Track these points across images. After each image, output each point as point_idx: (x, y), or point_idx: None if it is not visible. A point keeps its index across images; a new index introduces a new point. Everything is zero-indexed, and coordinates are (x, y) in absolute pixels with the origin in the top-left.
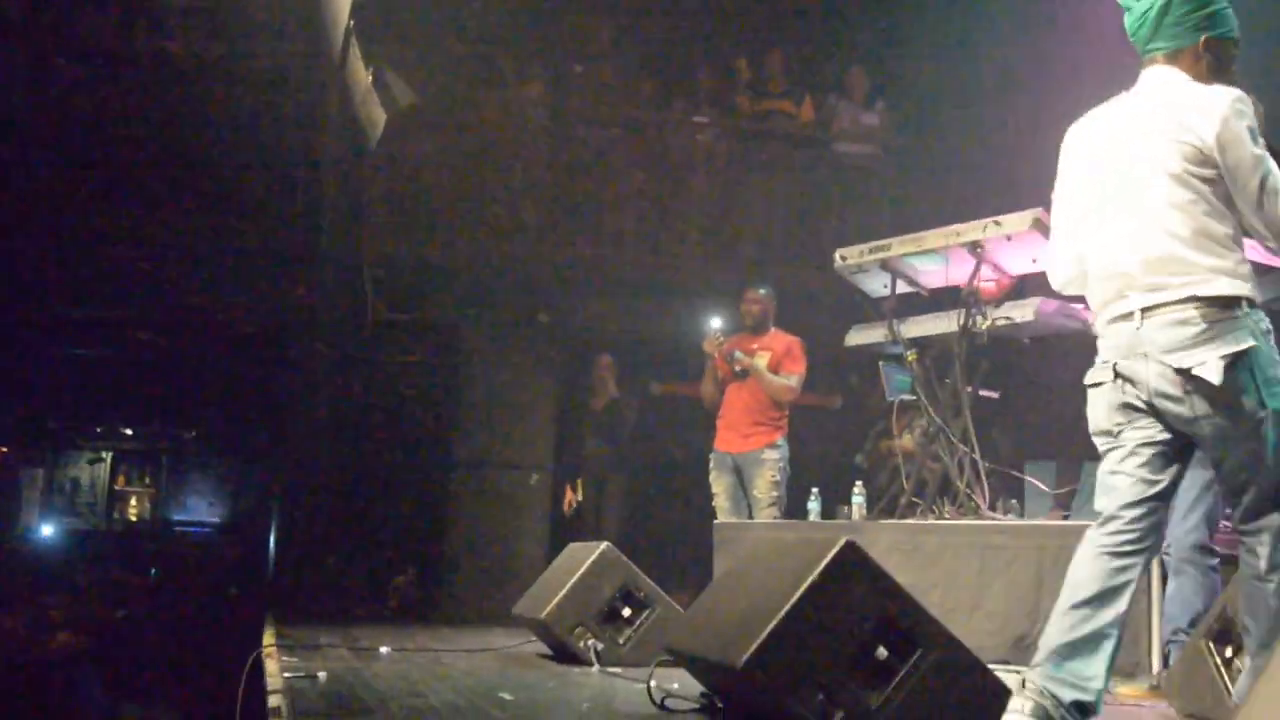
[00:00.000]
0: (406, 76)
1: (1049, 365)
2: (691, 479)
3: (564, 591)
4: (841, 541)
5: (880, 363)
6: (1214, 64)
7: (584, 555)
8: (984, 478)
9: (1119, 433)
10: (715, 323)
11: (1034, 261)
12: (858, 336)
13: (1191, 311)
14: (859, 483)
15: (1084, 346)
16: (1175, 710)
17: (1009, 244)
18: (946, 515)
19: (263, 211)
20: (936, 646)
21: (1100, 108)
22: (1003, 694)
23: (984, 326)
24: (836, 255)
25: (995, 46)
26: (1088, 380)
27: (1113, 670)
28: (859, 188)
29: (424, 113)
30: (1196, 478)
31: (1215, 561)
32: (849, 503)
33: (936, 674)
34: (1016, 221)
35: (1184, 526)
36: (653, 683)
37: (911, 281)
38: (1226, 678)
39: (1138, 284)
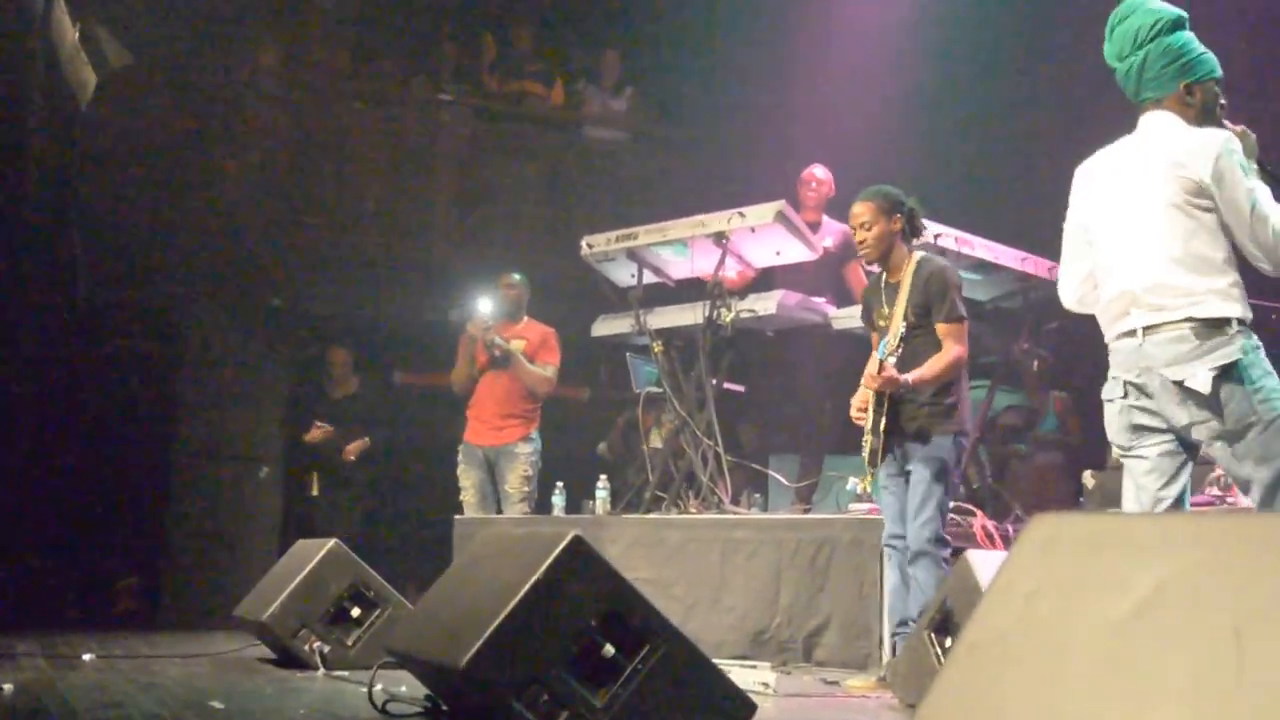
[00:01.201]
0: (120, 34)
1: (793, 359)
2: (437, 472)
3: (288, 591)
4: (569, 536)
5: (628, 354)
6: (1201, 104)
7: (311, 553)
8: (727, 471)
9: (1134, 446)
10: (485, 307)
11: (778, 254)
12: (605, 327)
13: (1186, 330)
14: (603, 477)
15: (826, 340)
16: (899, 700)
17: (753, 236)
18: (690, 509)
19: None
20: (664, 643)
21: (1107, 148)
22: (729, 690)
23: (728, 319)
24: (583, 243)
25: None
26: (1104, 395)
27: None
28: (608, 174)
29: (142, 76)
30: (925, 471)
31: (948, 552)
32: (594, 497)
33: (664, 671)
34: (760, 214)
35: (919, 520)
36: (378, 686)
37: (658, 271)
38: None
39: (1141, 304)
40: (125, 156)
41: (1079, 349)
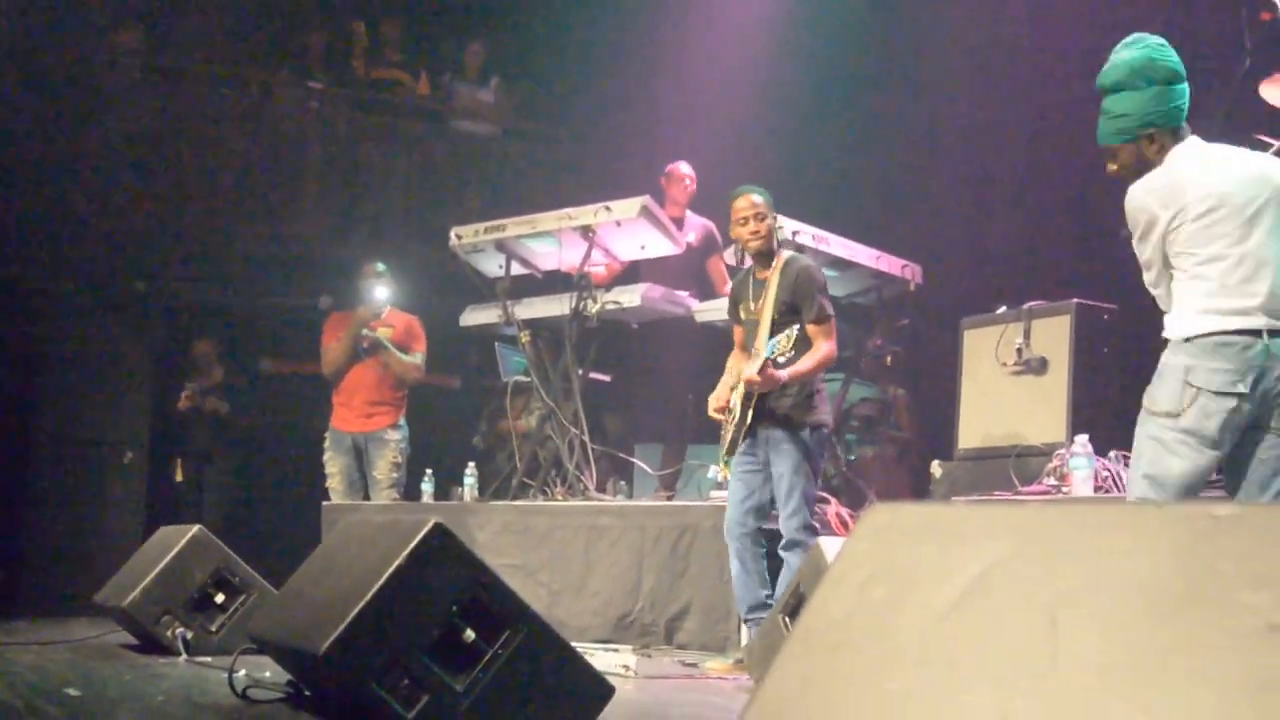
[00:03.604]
0: None
1: (657, 350)
2: (304, 458)
3: (151, 577)
4: (430, 523)
5: (496, 344)
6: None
7: (175, 539)
8: (593, 459)
9: (1230, 444)
10: (381, 293)
11: (643, 248)
12: (473, 317)
13: None
14: (471, 464)
15: (689, 333)
16: (755, 681)
17: (619, 229)
18: (557, 496)
19: None
20: (524, 628)
21: (1193, 147)
22: (588, 673)
23: (594, 310)
24: (452, 234)
25: (613, 36)
26: (1214, 387)
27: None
28: (477, 166)
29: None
30: (786, 464)
31: (814, 540)
32: (462, 484)
33: (523, 656)
34: (626, 208)
35: (787, 510)
36: (241, 672)
37: (526, 263)
38: None
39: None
40: None
41: (922, 346)
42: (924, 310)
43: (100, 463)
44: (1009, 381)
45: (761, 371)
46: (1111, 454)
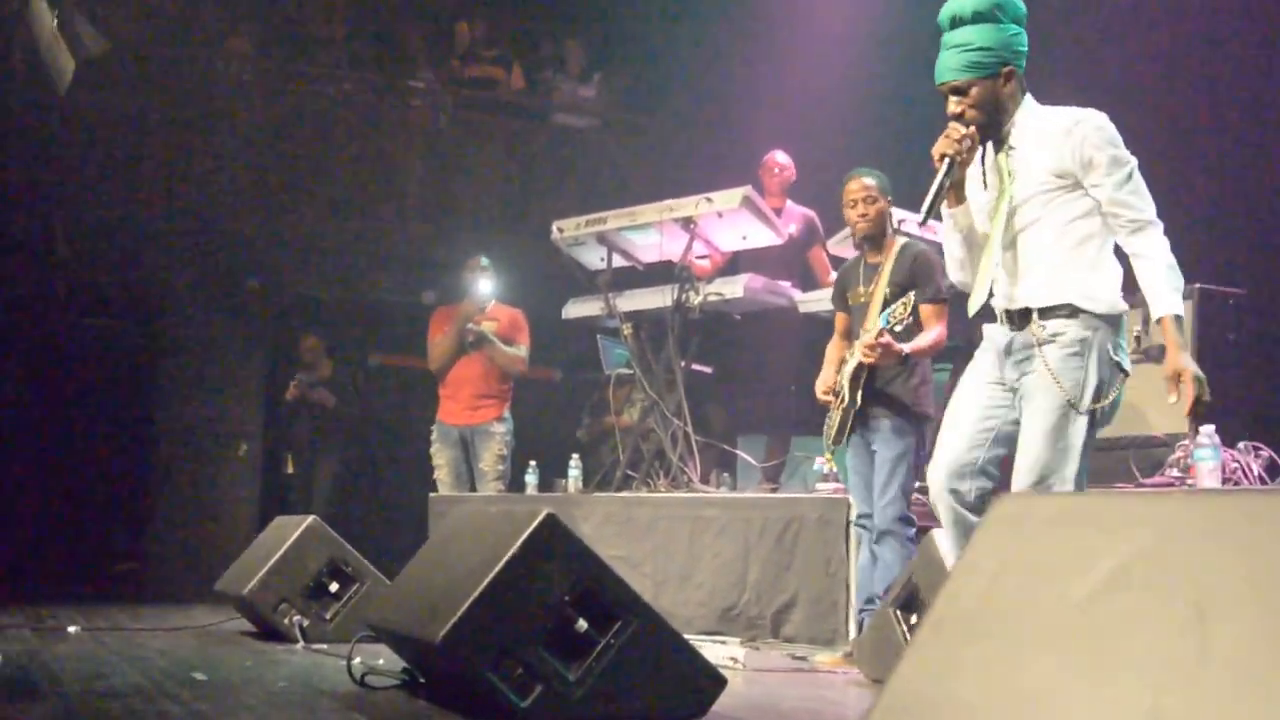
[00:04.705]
0: (97, 21)
1: (759, 341)
2: (410, 450)
3: (268, 566)
4: (542, 514)
5: (598, 336)
6: None
7: (290, 529)
8: (696, 451)
9: None
10: (484, 287)
11: (744, 238)
12: (575, 309)
13: None
14: (575, 456)
15: (792, 323)
16: (865, 676)
17: (721, 220)
18: (660, 488)
19: None
20: (636, 619)
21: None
22: (700, 665)
23: (696, 302)
24: (553, 227)
25: (713, 26)
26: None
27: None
28: (578, 160)
29: (119, 62)
30: (889, 451)
31: (913, 531)
32: (566, 476)
33: (635, 646)
34: (728, 198)
35: (884, 500)
36: (357, 659)
37: (627, 255)
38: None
39: None
40: (103, 142)
41: None
42: None
43: (217, 455)
44: None
45: (878, 340)
46: (1240, 445)
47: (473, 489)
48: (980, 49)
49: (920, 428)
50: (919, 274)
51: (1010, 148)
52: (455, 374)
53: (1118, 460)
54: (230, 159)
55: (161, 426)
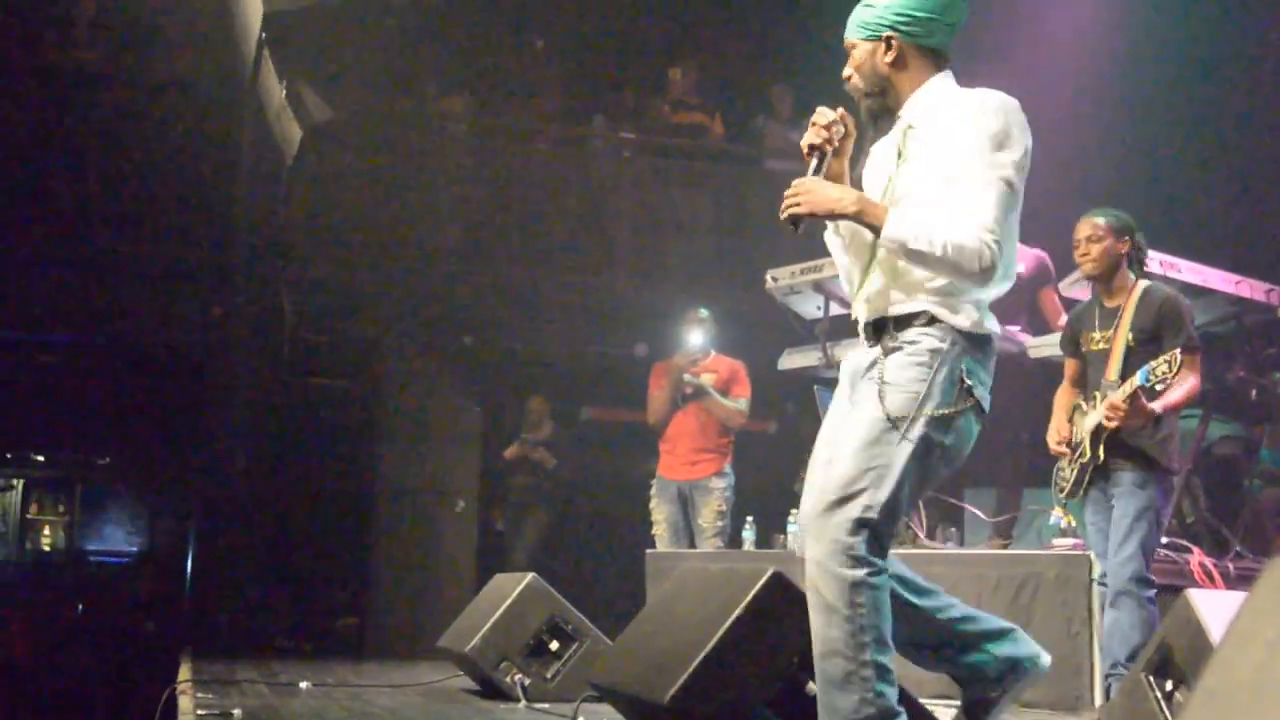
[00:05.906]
0: (322, 91)
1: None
2: (624, 506)
3: (490, 624)
4: (769, 573)
5: (815, 386)
6: None
7: (510, 586)
8: (921, 505)
9: None
10: (696, 338)
11: None
12: (792, 360)
13: None
14: (794, 511)
15: (1021, 370)
16: None
17: None
18: None
19: (176, 229)
20: None
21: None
22: None
23: None
24: (768, 276)
25: None
26: None
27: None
28: None
29: (342, 128)
30: (1130, 506)
31: (1152, 593)
32: (784, 531)
33: None
34: None
35: (1120, 557)
36: (580, 719)
37: (845, 304)
38: (1168, 712)
39: None
40: (327, 205)
41: None
42: None
43: (435, 512)
44: None
45: (1132, 400)
46: None
47: (691, 545)
48: (868, 6)
49: (1166, 482)
50: (1166, 321)
51: (910, 127)
52: (674, 428)
53: None
54: (446, 217)
55: (382, 484)
